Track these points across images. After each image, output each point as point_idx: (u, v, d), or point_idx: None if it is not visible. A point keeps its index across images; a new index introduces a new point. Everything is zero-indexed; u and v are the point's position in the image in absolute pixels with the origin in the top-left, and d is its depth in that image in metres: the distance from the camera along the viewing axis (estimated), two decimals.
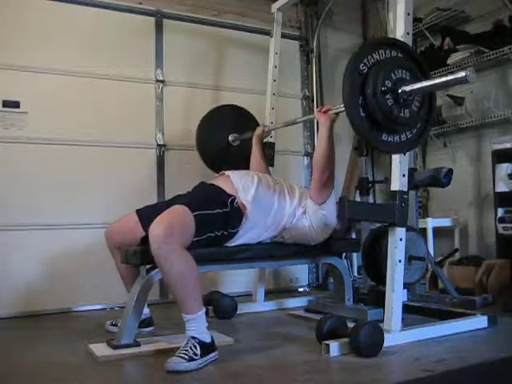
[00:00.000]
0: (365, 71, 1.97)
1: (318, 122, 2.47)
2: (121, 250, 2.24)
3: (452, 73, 1.91)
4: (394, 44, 2.10)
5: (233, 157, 3.08)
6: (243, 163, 2.87)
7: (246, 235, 2.30)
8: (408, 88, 1.98)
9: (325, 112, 2.40)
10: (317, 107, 4.03)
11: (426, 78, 2.10)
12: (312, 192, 2.39)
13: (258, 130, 2.98)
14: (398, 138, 2.08)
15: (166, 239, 1.89)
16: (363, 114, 1.96)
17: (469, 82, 1.85)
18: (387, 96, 1.96)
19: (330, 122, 2.35)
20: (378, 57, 2.01)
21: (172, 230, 1.93)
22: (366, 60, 1.98)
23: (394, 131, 2.05)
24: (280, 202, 2.38)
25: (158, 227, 1.92)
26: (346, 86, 1.95)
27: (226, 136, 3.17)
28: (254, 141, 2.97)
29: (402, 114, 2.00)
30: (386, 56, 2.03)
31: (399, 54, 2.08)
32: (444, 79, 1.93)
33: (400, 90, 1.98)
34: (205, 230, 2.11)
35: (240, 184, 2.31)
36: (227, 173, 2.41)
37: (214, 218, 2.15)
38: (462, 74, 1.82)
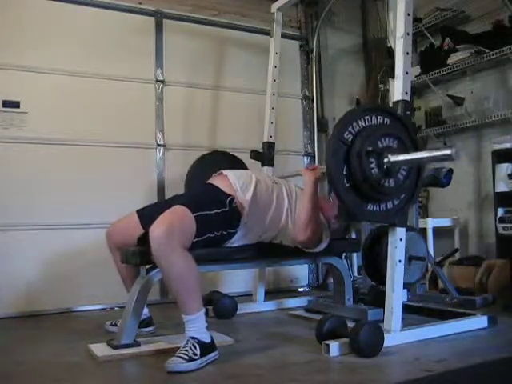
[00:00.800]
0: (350, 139, 1.96)
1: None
2: (121, 250, 2.24)
3: (438, 149, 1.91)
4: (383, 110, 2.10)
5: None
6: None
7: (245, 236, 2.30)
8: (393, 159, 1.98)
9: (312, 169, 2.46)
10: (317, 107, 4.06)
11: (415, 146, 2.08)
12: (299, 236, 2.35)
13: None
14: (383, 206, 2.07)
15: (167, 240, 1.89)
16: (347, 184, 1.96)
17: (453, 160, 1.86)
18: (372, 165, 1.96)
19: (315, 178, 2.40)
20: (364, 123, 2.00)
21: (173, 231, 1.92)
22: (351, 127, 1.98)
23: (378, 200, 2.04)
24: (278, 202, 2.38)
25: (158, 228, 1.92)
26: (330, 154, 1.94)
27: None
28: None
29: (386, 184, 2.00)
30: (373, 122, 2.02)
31: (387, 121, 2.06)
32: (429, 155, 1.95)
33: (385, 160, 1.98)
34: (205, 231, 2.11)
35: (238, 184, 2.31)
36: (225, 172, 2.40)
37: (214, 219, 2.15)
38: (447, 151, 1.82)
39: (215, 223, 2.16)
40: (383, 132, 2.02)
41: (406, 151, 2.04)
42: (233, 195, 2.26)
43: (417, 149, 2.10)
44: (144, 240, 2.02)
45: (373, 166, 1.97)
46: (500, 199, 3.24)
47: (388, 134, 2.03)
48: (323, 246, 2.41)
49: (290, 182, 2.61)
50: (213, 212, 2.15)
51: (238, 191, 2.28)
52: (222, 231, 2.19)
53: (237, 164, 3.01)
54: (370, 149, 1.95)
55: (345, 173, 1.95)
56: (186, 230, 2.01)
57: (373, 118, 2.03)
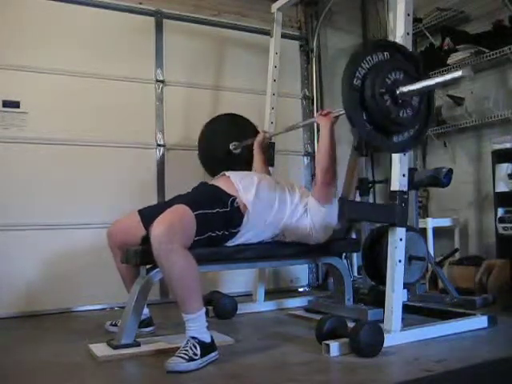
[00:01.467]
0: (362, 74, 1.97)
1: (317, 126, 2.49)
2: (121, 249, 2.24)
3: (450, 72, 1.91)
4: (390, 46, 2.11)
5: (234, 164, 3.05)
6: (245, 170, 2.86)
7: (246, 234, 2.31)
8: (405, 89, 1.99)
9: (325, 115, 2.45)
10: (317, 107, 4.06)
11: (423, 77, 2.09)
12: (316, 192, 2.40)
13: (259, 137, 2.99)
14: (398, 137, 2.08)
15: (168, 239, 1.90)
16: (363, 116, 1.97)
17: (467, 77, 1.86)
18: (385, 97, 1.97)
19: (331, 123, 2.41)
20: (374, 59, 2.01)
21: (173, 230, 1.93)
22: (363, 63, 1.99)
23: (394, 132, 2.06)
24: (280, 202, 2.39)
25: (159, 227, 1.92)
26: (345, 90, 1.96)
27: (227, 144, 3.19)
28: (256, 147, 2.98)
29: (400, 115, 2.01)
30: (382, 58, 2.04)
31: (395, 56, 2.08)
32: (443, 79, 1.94)
33: (398, 91, 1.99)
34: (205, 230, 2.11)
35: (240, 184, 2.31)
36: (227, 173, 2.42)
37: (215, 218, 2.16)
38: (459, 73, 1.83)
39: (216, 222, 2.17)
40: (390, 67, 2.03)
41: (415, 81, 2.05)
42: (235, 196, 2.26)
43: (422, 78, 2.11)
44: (148, 239, 2.03)
45: (386, 97, 1.98)
46: (500, 199, 3.23)
47: (397, 67, 2.03)
48: (335, 204, 2.39)
49: (292, 181, 2.61)
50: (214, 211, 2.16)
51: (241, 191, 2.29)
52: (223, 231, 2.20)
53: (244, 124, 3.20)
54: (383, 81, 1.97)
55: (365, 117, 1.97)
56: (186, 228, 2.02)
57: (383, 53, 2.04)
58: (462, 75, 1.82)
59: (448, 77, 1.91)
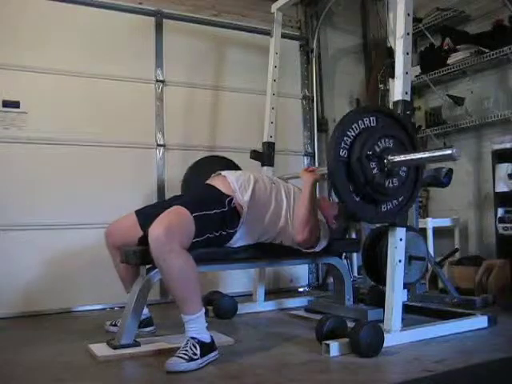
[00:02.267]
0: (351, 138, 1.98)
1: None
2: (120, 250, 2.24)
3: (439, 149, 1.94)
4: (379, 111, 2.11)
5: None
6: None
7: (244, 237, 2.30)
8: (395, 159, 1.99)
9: (310, 171, 2.48)
10: (317, 107, 4.06)
11: (414, 146, 2.10)
12: (299, 241, 2.37)
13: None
14: (385, 207, 2.09)
15: (166, 240, 1.89)
16: (350, 188, 1.98)
17: (454, 160, 1.88)
18: (372, 164, 1.98)
19: (314, 180, 2.41)
20: (365, 124, 2.02)
21: (171, 231, 1.92)
22: (352, 127, 1.99)
23: (378, 201, 2.06)
24: (277, 202, 2.39)
25: (157, 228, 1.92)
26: (331, 152, 1.96)
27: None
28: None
29: (384, 183, 2.01)
30: (373, 124, 2.04)
31: (384, 122, 2.07)
32: (430, 155, 1.96)
33: (386, 160, 2.00)
34: (204, 231, 2.11)
35: (236, 184, 2.31)
36: (223, 173, 2.41)
37: (213, 219, 2.15)
38: (448, 151, 1.85)
39: (214, 223, 2.16)
40: (381, 134, 2.03)
41: (405, 151, 2.05)
42: (231, 195, 2.26)
43: (415, 149, 2.12)
44: (145, 240, 2.02)
45: (374, 168, 1.99)
46: (500, 199, 3.23)
47: (386, 135, 2.04)
48: (322, 245, 2.41)
49: (289, 183, 2.61)
50: (212, 212, 2.15)
51: (237, 192, 2.28)
52: (221, 231, 2.19)
53: (231, 166, 2.99)
54: (370, 153, 1.97)
55: (347, 177, 1.98)
56: (184, 230, 2.01)
57: (371, 119, 2.04)
58: (451, 153, 1.82)
59: (437, 154, 1.91)
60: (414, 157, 2.01)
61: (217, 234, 2.18)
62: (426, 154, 1.99)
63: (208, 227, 2.13)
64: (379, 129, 2.04)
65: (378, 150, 1.99)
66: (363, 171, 1.97)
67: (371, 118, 2.04)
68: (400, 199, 2.13)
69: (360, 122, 2.02)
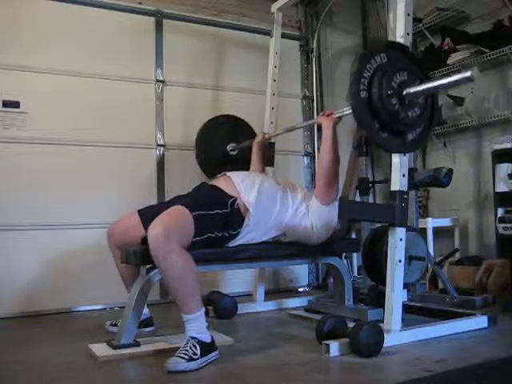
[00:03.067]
0: (369, 75, 2.01)
1: (319, 126, 2.48)
2: (121, 249, 2.24)
3: (454, 72, 1.95)
4: (392, 47, 2.14)
5: (232, 166, 3.04)
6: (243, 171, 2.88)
7: (248, 235, 2.30)
8: (412, 90, 2.03)
9: (328, 115, 2.46)
10: (317, 107, 4.05)
11: (427, 78, 2.14)
12: (317, 192, 2.40)
13: (259, 138, 3.00)
14: (404, 137, 2.11)
15: (165, 239, 1.89)
16: (370, 116, 2.01)
17: (473, 81, 1.90)
18: (393, 100, 2.01)
19: (333, 124, 2.41)
20: (377, 62, 2.04)
21: (170, 231, 1.92)
22: (369, 64, 2.02)
23: (401, 132, 2.10)
24: (282, 203, 2.38)
25: (156, 228, 1.92)
26: (353, 89, 1.99)
27: (225, 145, 3.22)
28: (255, 148, 2.99)
29: (407, 115, 2.05)
30: (385, 60, 2.06)
31: (398, 56, 2.10)
32: (450, 80, 1.97)
33: (404, 92, 2.03)
34: (204, 231, 2.11)
35: (242, 185, 2.31)
36: (229, 174, 2.41)
37: (214, 219, 2.15)
38: (467, 74, 1.85)
39: (215, 223, 2.16)
40: (395, 69, 2.06)
41: (420, 81, 2.09)
42: (235, 197, 2.26)
43: (427, 77, 2.16)
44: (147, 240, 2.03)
45: (395, 104, 2.02)
46: (500, 199, 3.23)
47: (399, 68, 2.06)
48: (335, 206, 2.36)
49: (294, 182, 2.61)
50: (213, 212, 2.15)
51: (242, 193, 2.28)
52: (223, 232, 2.19)
53: (242, 126, 3.24)
54: (389, 82, 2.00)
55: (372, 117, 2.01)
56: (183, 229, 2.01)
57: (381, 56, 2.07)
58: (469, 76, 1.83)
59: (455, 78, 1.92)
60: (434, 84, 2.03)
61: (218, 235, 2.18)
62: (446, 80, 2.00)
63: (208, 227, 2.13)
64: (392, 64, 2.07)
65: (395, 85, 2.03)
66: (386, 109, 2.00)
67: (381, 55, 2.07)
68: (422, 126, 2.17)
69: (372, 61, 2.04)
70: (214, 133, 3.26)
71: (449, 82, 1.99)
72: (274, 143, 3.19)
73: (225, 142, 3.27)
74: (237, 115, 3.41)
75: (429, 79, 2.16)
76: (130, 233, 2.28)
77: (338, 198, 2.40)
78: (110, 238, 2.38)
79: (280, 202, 2.38)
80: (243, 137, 3.20)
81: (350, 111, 2.17)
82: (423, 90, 2.03)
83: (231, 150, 3.23)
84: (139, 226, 2.26)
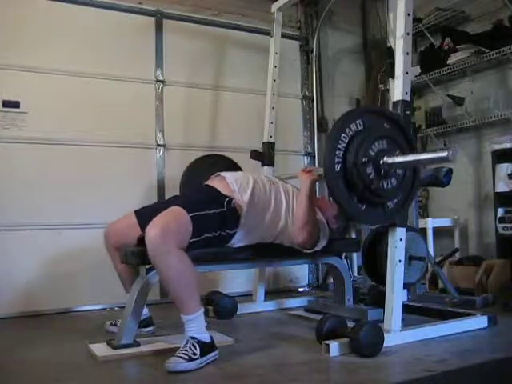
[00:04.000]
0: (347, 140, 1.96)
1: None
2: (120, 250, 2.24)
3: (434, 151, 1.91)
4: (380, 113, 2.10)
5: None
6: None
7: (244, 237, 2.30)
8: (389, 160, 1.96)
9: (307, 172, 2.45)
10: (317, 107, 4.06)
11: (411, 146, 2.07)
12: (299, 242, 2.36)
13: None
14: (384, 207, 2.07)
15: (162, 240, 1.89)
16: (340, 175, 1.95)
17: (451, 162, 1.84)
18: (369, 169, 1.95)
19: (312, 181, 2.39)
20: (352, 130, 1.98)
21: (167, 231, 1.92)
22: (348, 128, 1.96)
23: (375, 202, 2.04)
24: (276, 202, 2.39)
25: (153, 229, 1.92)
26: (327, 155, 1.94)
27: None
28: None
29: (382, 186, 1.99)
30: (360, 127, 2.00)
31: (384, 124, 2.06)
32: (426, 157, 1.95)
33: (381, 161, 1.97)
34: (202, 231, 2.10)
35: (236, 185, 2.31)
36: (223, 174, 2.41)
37: (211, 219, 2.15)
38: (444, 153, 1.81)
39: (212, 223, 2.16)
40: (377, 135, 2.01)
41: (402, 152, 2.03)
42: (231, 196, 2.26)
43: (413, 149, 2.10)
44: (144, 240, 2.02)
45: (370, 173, 1.96)
46: (500, 199, 3.24)
47: (382, 136, 2.02)
48: (322, 245, 2.41)
49: (288, 183, 2.61)
50: (210, 212, 2.15)
51: (236, 192, 2.28)
52: (220, 232, 2.19)
53: (231, 166, 3.01)
54: (365, 160, 1.94)
55: (346, 188, 1.96)
56: (181, 230, 2.01)
57: (357, 123, 2.00)
58: (447, 156, 1.79)
59: (433, 156, 1.89)
60: (409, 159, 1.99)
61: (216, 235, 2.17)
62: (422, 156, 1.97)
63: (206, 227, 2.13)
64: (369, 132, 2.00)
65: (372, 153, 1.96)
66: (360, 178, 1.94)
67: (357, 122, 2.00)
68: (399, 197, 2.12)
69: (347, 129, 1.97)
70: (201, 174, 2.85)
71: (426, 159, 1.96)
72: (274, 143, 3.19)
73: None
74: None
75: (413, 149, 2.09)
76: (126, 233, 2.27)
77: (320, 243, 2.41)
78: (107, 239, 2.38)
79: (274, 201, 2.38)
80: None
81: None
82: (400, 163, 1.97)
83: None
84: (136, 226, 2.26)
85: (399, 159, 1.98)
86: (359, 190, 1.97)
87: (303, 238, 2.32)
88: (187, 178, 2.98)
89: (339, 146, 1.95)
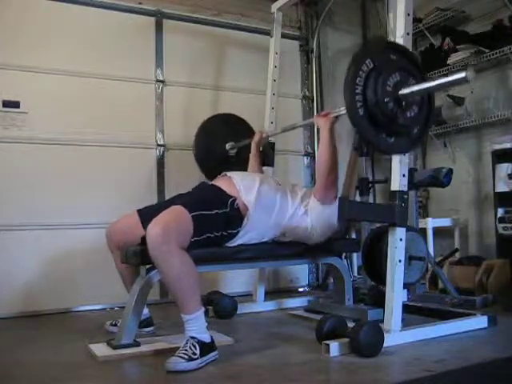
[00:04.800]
0: (362, 82, 1.99)
1: (317, 129, 2.47)
2: (121, 249, 2.24)
3: (452, 73, 1.92)
4: (385, 46, 2.14)
5: (230, 165, 3.04)
6: (241, 170, 2.86)
7: (246, 235, 2.30)
8: (406, 91, 2.01)
9: (324, 115, 2.45)
10: (317, 107, 4.06)
11: (423, 77, 2.12)
12: (316, 192, 2.40)
13: (257, 137, 3.00)
14: (400, 138, 2.09)
15: (163, 240, 1.89)
16: (365, 117, 1.99)
17: (468, 82, 1.88)
18: (390, 105, 2.00)
19: (330, 124, 2.40)
20: (370, 65, 2.02)
21: (169, 231, 1.92)
22: (364, 64, 2.00)
23: (396, 133, 2.08)
24: (282, 202, 2.38)
25: (154, 228, 1.91)
26: (347, 91, 1.97)
27: (224, 144, 3.20)
28: (253, 147, 2.99)
29: (407, 116, 2.04)
30: (383, 60, 2.04)
31: (395, 57, 2.09)
32: (445, 80, 1.95)
33: (400, 93, 2.01)
34: (203, 231, 2.10)
35: (242, 185, 2.31)
36: (229, 174, 2.42)
37: (213, 219, 2.15)
38: (462, 74, 1.83)
39: (215, 223, 2.16)
40: (389, 70, 2.04)
41: (415, 79, 2.07)
42: (235, 196, 2.26)
43: (424, 79, 2.13)
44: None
45: (392, 106, 2.00)
46: (500, 199, 3.23)
47: (394, 69, 2.05)
48: (335, 206, 2.35)
49: (293, 182, 2.61)
50: (213, 212, 2.15)
51: (242, 192, 2.28)
52: (221, 232, 2.19)
53: (241, 124, 3.22)
54: (385, 83, 1.99)
55: (362, 106, 1.99)
56: (182, 229, 2.01)
57: (373, 58, 2.04)
58: (464, 76, 1.82)
59: (451, 78, 1.90)
60: (426, 86, 2.02)
61: (217, 234, 2.17)
62: (440, 81, 1.99)
63: (207, 227, 2.13)
64: (380, 68, 2.03)
65: (389, 89, 2.01)
66: (385, 115, 2.00)
67: (367, 62, 2.02)
68: (421, 122, 2.16)
69: (360, 72, 2.00)
70: (213, 131, 3.22)
71: (444, 83, 1.98)
72: (274, 143, 3.19)
73: (224, 141, 3.25)
74: (239, 114, 3.37)
75: (423, 75, 2.15)
76: (129, 232, 2.27)
77: (338, 197, 2.40)
78: (109, 238, 2.38)
79: (279, 202, 2.37)
80: (243, 136, 3.18)
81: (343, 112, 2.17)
82: (418, 91, 2.02)
83: (230, 149, 3.21)
84: (138, 225, 2.25)
85: (416, 88, 2.01)
86: (386, 126, 2.02)
87: (326, 188, 2.35)
88: (200, 138, 3.18)
89: (357, 90, 1.99)
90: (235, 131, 3.24)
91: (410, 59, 2.14)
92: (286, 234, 2.43)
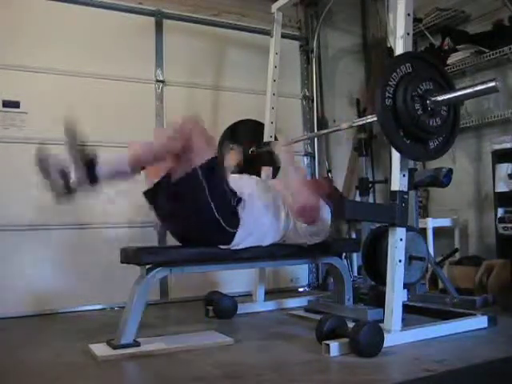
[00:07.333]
0: (397, 79, 2.06)
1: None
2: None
3: (481, 83, 1.98)
4: (425, 59, 2.20)
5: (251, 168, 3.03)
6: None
7: (246, 240, 2.30)
8: (436, 98, 2.07)
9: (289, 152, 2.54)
10: (317, 107, 4.06)
11: (451, 87, 2.18)
12: (294, 207, 2.38)
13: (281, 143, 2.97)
14: (416, 144, 2.13)
15: (195, 126, 2.08)
16: (389, 108, 2.04)
17: (498, 91, 1.94)
18: (417, 105, 2.05)
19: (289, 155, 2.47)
20: (402, 71, 2.09)
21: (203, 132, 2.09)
22: (398, 69, 2.07)
23: (414, 136, 2.11)
24: (275, 205, 2.41)
25: (189, 123, 2.08)
26: (379, 96, 2.03)
27: (248, 149, 3.19)
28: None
29: (429, 122, 2.08)
30: (409, 70, 2.10)
31: (423, 66, 2.15)
32: (473, 90, 2.00)
33: (428, 100, 2.07)
34: (219, 190, 2.16)
35: (235, 186, 2.31)
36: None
37: (226, 193, 2.20)
38: (491, 83, 1.90)
39: (224, 200, 2.20)
40: (425, 76, 2.10)
41: (444, 91, 2.13)
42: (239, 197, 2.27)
43: (452, 88, 2.18)
44: (152, 193, 2.12)
45: (418, 109, 2.06)
46: (500, 199, 3.23)
47: (429, 77, 2.11)
48: (325, 218, 2.40)
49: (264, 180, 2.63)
50: (227, 189, 2.22)
51: (237, 192, 2.29)
52: (223, 217, 2.19)
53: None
54: (414, 93, 2.05)
55: (395, 123, 2.05)
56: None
57: (407, 66, 2.10)
58: (494, 85, 1.88)
59: (481, 87, 1.96)
60: (457, 94, 2.08)
61: (218, 218, 2.17)
62: (469, 90, 2.03)
63: (222, 192, 2.19)
64: (418, 73, 2.11)
65: (420, 92, 2.07)
66: (408, 112, 2.03)
67: (407, 65, 2.10)
68: (443, 136, 2.20)
69: (398, 70, 2.07)
70: (240, 136, 3.16)
71: (474, 92, 2.02)
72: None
73: (249, 146, 3.20)
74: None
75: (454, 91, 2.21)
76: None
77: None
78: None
79: (273, 204, 2.39)
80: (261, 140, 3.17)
81: (375, 118, 2.21)
82: (448, 99, 2.07)
83: (251, 153, 3.19)
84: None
85: (448, 95, 2.07)
86: (406, 124, 2.05)
87: (302, 202, 2.33)
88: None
89: (390, 83, 2.05)
90: (256, 136, 3.20)
91: (443, 76, 2.19)
92: (285, 240, 2.44)
